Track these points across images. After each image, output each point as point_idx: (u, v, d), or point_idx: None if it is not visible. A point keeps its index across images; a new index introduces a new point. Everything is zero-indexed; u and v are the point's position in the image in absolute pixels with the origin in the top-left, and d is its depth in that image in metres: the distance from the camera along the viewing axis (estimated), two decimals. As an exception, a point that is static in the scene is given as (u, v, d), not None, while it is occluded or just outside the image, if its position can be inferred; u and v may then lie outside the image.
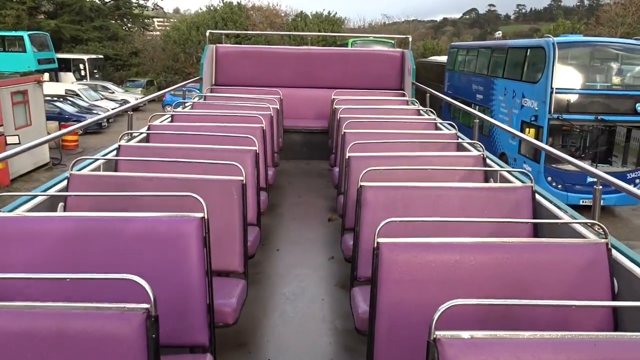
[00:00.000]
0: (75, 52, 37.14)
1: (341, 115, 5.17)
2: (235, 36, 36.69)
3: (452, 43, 24.73)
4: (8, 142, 14.07)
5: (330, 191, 5.59)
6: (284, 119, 6.48)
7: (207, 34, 8.22)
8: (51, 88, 27.25)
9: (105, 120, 23.73)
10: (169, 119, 5.30)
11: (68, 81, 32.26)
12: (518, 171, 3.66)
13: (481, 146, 4.06)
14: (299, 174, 6.68)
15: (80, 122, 16.83)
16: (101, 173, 3.46)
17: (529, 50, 14.31)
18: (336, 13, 41.55)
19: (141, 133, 4.41)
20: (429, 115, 5.73)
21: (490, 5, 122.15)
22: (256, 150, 3.70)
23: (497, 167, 3.85)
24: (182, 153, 3.59)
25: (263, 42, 36.17)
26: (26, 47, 30.13)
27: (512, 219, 2.95)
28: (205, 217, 2.33)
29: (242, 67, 7.62)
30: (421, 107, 6.17)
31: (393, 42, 26.56)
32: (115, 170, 3.63)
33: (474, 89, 18.11)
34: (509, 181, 3.57)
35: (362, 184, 2.92)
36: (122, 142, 4.00)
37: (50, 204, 2.99)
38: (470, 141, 4.39)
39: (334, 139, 5.60)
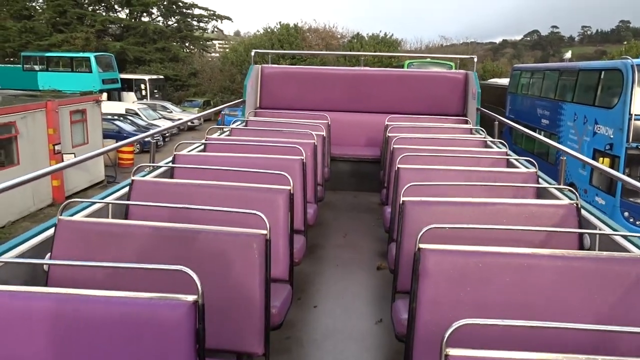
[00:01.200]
0: (138, 72, 38.53)
1: (395, 146, 4.60)
2: (291, 57, 36.96)
3: (515, 65, 23.59)
4: (65, 160, 14.32)
5: (380, 232, 4.92)
6: (331, 145, 5.95)
7: (253, 53, 7.76)
8: (113, 107, 28.21)
9: (161, 139, 24.23)
10: (201, 148, 4.83)
11: (130, 100, 33.39)
12: (564, 188, 3.53)
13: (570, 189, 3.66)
14: (345, 208, 6.06)
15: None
16: (160, 179, 3.65)
17: (603, 72, 13.18)
18: (392, 34, 41.21)
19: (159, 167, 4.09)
20: (499, 147, 5.01)
21: (554, 26, 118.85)
22: (290, 190, 3.17)
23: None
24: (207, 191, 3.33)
25: (318, 63, 36.24)
26: (92, 67, 31.46)
27: (556, 228, 2.92)
28: (268, 233, 2.40)
29: (289, 89, 7.16)
30: (489, 138, 5.46)
31: (452, 63, 25.75)
32: (172, 177, 3.86)
33: (539, 114, 17.00)
34: (558, 199, 3.50)
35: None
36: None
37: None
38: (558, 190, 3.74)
39: (386, 172, 5.00)
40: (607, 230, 2.93)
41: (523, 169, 4.21)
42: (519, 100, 19.44)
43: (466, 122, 6.53)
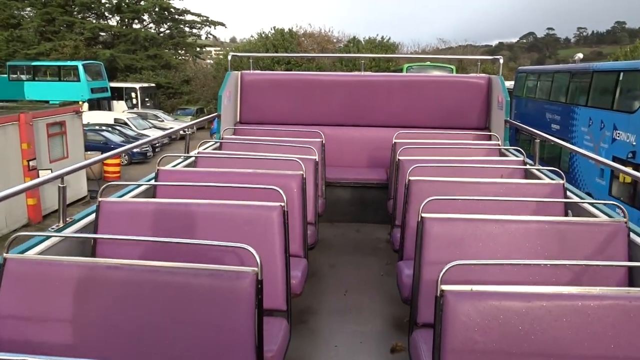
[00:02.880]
0: (129, 80, 37.53)
1: (406, 166, 3.74)
2: (286, 62, 35.96)
3: (521, 67, 22.59)
4: (41, 177, 13.22)
5: (393, 285, 3.65)
6: (326, 167, 4.88)
7: (230, 57, 6.21)
8: (101, 117, 27.21)
9: (150, 149, 23.17)
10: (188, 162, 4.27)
11: (120, 110, 32.37)
12: (608, 203, 3.16)
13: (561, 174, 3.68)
14: (346, 248, 4.91)
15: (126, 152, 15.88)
16: (136, 200, 3.34)
17: (622, 74, 12.16)
18: (389, 38, 40.25)
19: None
20: (539, 173, 3.99)
21: (549, 28, 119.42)
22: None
23: (578, 199, 3.46)
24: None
25: (314, 69, 35.26)
26: (80, 76, 30.47)
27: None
28: (259, 271, 2.08)
29: (275, 100, 5.98)
30: (520, 156, 4.43)
31: (453, 67, 24.74)
32: (154, 196, 3.54)
33: (548, 119, 15.98)
34: (594, 216, 3.08)
35: (443, 288, 1.93)
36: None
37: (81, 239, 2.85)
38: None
39: (395, 199, 3.97)
40: None
41: (576, 196, 3.54)
42: (524, 104, 18.42)
43: (490, 137, 5.49)
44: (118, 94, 34.08)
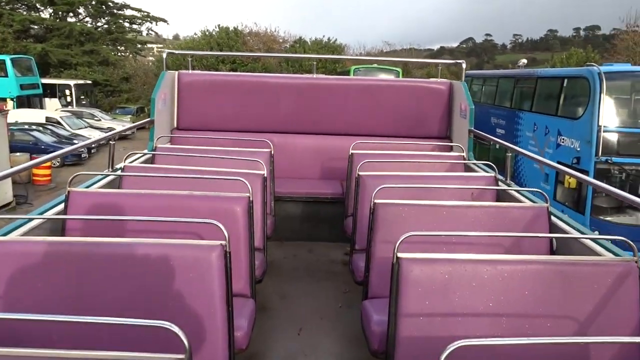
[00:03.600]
0: (63, 77, 35.42)
1: (369, 185, 3.40)
2: (231, 62, 35.06)
3: (466, 71, 22.94)
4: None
5: (352, 317, 3.43)
6: (275, 180, 4.38)
7: (165, 55, 5.50)
8: (31, 115, 25.41)
9: (85, 151, 21.81)
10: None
11: (53, 108, 30.39)
12: (532, 191, 3.53)
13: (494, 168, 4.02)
14: (298, 272, 4.39)
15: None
16: (104, 190, 3.24)
17: (566, 80, 12.41)
18: (336, 39, 40.17)
19: None
20: (517, 194, 3.69)
21: (487, 34, 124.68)
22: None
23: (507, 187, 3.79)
24: None
25: (260, 70, 34.58)
26: (8, 71, 28.32)
27: (529, 234, 2.98)
28: (227, 245, 2.18)
29: (217, 104, 5.35)
30: (491, 172, 4.16)
31: (399, 70, 24.82)
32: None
33: (493, 123, 16.20)
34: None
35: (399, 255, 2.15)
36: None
37: (50, 227, 2.82)
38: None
39: (355, 219, 3.56)
40: (576, 234, 2.93)
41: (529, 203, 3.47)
42: (470, 109, 18.66)
43: (451, 147, 5.20)
44: (51, 91, 31.99)
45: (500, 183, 3.96)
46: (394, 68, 25.41)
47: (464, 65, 5.56)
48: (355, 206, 3.55)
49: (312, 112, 5.40)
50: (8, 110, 14.56)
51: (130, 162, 3.94)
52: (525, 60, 15.36)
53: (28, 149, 19.69)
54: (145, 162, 4.20)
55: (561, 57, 35.28)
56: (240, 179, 2.95)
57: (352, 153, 4.25)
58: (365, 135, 5.20)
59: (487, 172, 4.13)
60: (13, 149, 19.36)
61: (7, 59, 28.56)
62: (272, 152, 4.25)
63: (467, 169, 4.53)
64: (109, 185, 3.63)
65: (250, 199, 2.83)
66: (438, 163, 4.42)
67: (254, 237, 2.89)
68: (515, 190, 3.72)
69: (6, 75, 28.42)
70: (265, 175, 3.50)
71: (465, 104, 5.06)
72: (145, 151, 4.49)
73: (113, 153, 4.08)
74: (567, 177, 11.25)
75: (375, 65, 24.59)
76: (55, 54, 36.39)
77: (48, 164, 17.99)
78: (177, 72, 5.47)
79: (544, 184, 12.63)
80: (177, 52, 6.29)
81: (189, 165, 3.69)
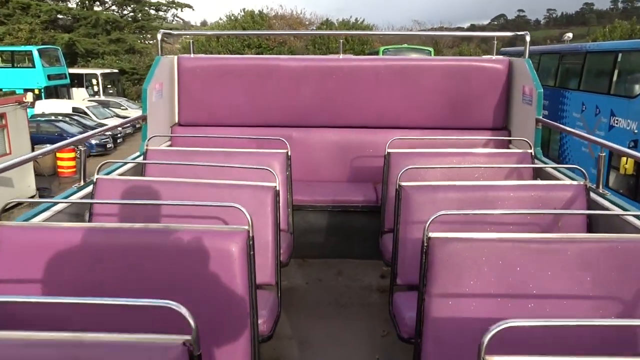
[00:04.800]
0: (90, 66, 35.42)
1: (415, 203, 2.68)
2: (257, 46, 34.36)
3: (503, 49, 21.64)
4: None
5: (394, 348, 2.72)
6: (294, 184, 3.58)
7: (159, 37, 4.63)
8: (58, 106, 25.36)
9: (111, 140, 21.56)
10: None
11: (81, 98, 30.37)
12: (570, 167, 3.44)
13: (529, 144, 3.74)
14: (322, 305, 3.56)
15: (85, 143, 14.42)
16: (130, 177, 3.15)
17: (620, 55, 11.20)
18: (364, 20, 38.99)
19: None
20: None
21: (520, 10, 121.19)
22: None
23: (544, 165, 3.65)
24: None
25: (286, 52, 33.75)
26: (35, 62, 28.35)
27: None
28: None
29: (225, 93, 4.50)
30: (569, 175, 3.32)
31: (431, 49, 23.69)
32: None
33: (535, 103, 15.05)
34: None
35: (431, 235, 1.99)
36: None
37: (75, 212, 2.86)
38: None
39: (396, 238, 2.79)
40: (618, 211, 2.75)
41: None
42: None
43: (509, 142, 4.35)
44: (78, 81, 31.95)
45: (536, 161, 3.70)
46: (426, 48, 24.28)
47: (527, 38, 4.53)
48: (397, 226, 2.75)
49: (339, 101, 4.52)
50: (28, 102, 14.25)
51: (105, 173, 3.22)
52: (570, 35, 14.11)
53: (54, 140, 19.48)
54: (121, 174, 3.44)
55: (603, 30, 33.19)
56: (237, 206, 2.15)
57: (388, 152, 3.44)
58: (403, 128, 4.36)
59: (573, 179, 3.19)
60: (39, 140, 19.23)
61: (34, 49, 28.57)
62: (289, 154, 3.45)
63: (544, 176, 3.56)
64: (132, 172, 3.56)
65: (250, 234, 2.08)
66: (501, 163, 3.55)
67: (254, 278, 2.10)
68: (553, 168, 3.55)
69: (33, 66, 28.46)
70: (278, 187, 2.75)
71: (531, 87, 4.09)
72: (120, 161, 3.58)
73: (84, 164, 3.31)
74: (622, 162, 10.17)
75: (405, 45, 23.50)
76: (82, 43, 36.43)
77: (72, 154, 17.76)
78: (175, 57, 4.64)
79: (594, 171, 11.55)
80: (174, 32, 5.38)
81: (182, 175, 2.98)
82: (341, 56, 4.70)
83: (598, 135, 11.61)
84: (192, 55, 4.76)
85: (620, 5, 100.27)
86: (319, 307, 3.52)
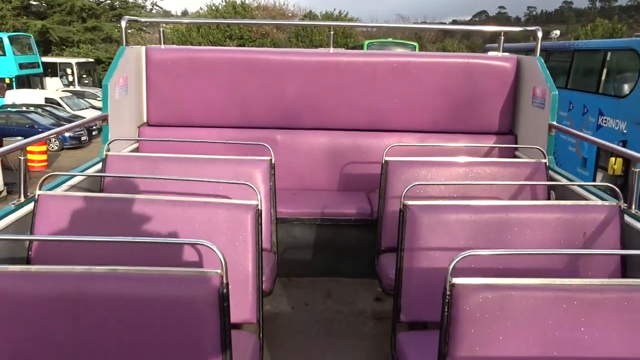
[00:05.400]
0: (65, 55, 34.28)
1: (422, 225, 2.31)
2: (239, 37, 33.68)
3: (487, 45, 21.48)
4: None
5: None
6: (277, 193, 3.18)
7: (124, 24, 3.95)
8: (29, 96, 24.41)
9: (85, 133, 20.80)
10: None
11: (54, 87, 29.34)
12: (602, 185, 3.01)
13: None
14: (310, 337, 3.13)
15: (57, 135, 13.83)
16: (78, 194, 2.65)
17: (609, 53, 11.00)
18: (347, 13, 38.57)
19: None
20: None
21: (501, 7, 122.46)
22: None
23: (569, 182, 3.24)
24: None
25: (269, 44, 33.13)
26: (6, 50, 27.24)
27: (609, 251, 2.47)
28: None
29: (200, 90, 4.03)
30: (612, 200, 2.84)
31: (416, 44, 23.37)
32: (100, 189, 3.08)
33: (520, 101, 14.86)
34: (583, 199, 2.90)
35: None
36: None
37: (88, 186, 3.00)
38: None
39: (398, 256, 2.39)
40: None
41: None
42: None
43: (515, 149, 3.97)
44: (52, 70, 30.89)
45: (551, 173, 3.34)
46: (410, 42, 23.97)
47: (539, 34, 4.15)
48: (400, 252, 2.35)
49: (329, 100, 4.08)
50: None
51: (48, 189, 2.71)
52: (558, 32, 13.91)
53: (24, 133, 18.69)
54: (73, 188, 2.94)
55: (585, 29, 33.32)
56: (208, 245, 1.71)
57: (386, 160, 3.04)
58: (400, 131, 3.97)
59: (604, 199, 2.80)
60: (9, 132, 18.45)
61: (5, 36, 27.47)
62: (273, 161, 3.03)
63: (555, 188, 3.21)
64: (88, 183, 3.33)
65: (224, 280, 1.66)
66: (511, 174, 3.18)
67: (227, 326, 1.71)
68: (579, 186, 3.11)
69: (4, 54, 27.36)
70: (260, 205, 2.33)
71: (544, 88, 3.68)
72: (67, 173, 3.04)
73: (23, 177, 2.75)
74: (611, 162, 9.98)
75: (390, 39, 23.12)
76: (57, 31, 35.28)
77: (43, 148, 17.03)
78: (143, 48, 4.12)
79: (581, 170, 11.39)
80: (142, 19, 4.80)
81: (143, 193, 2.55)
82: (332, 50, 4.21)
83: (585, 133, 11.44)
84: (162, 46, 4.21)
85: (598, 4, 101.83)
86: (306, 339, 3.10)
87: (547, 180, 3.23)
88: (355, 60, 4.14)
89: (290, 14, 39.77)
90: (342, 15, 37.66)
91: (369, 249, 3.22)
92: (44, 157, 16.86)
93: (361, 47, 22.75)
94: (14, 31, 30.61)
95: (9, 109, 21.52)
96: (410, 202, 2.36)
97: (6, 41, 27.14)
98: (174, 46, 4.45)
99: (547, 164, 3.30)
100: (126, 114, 3.88)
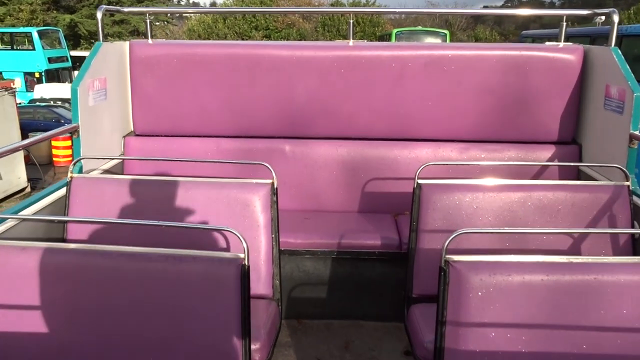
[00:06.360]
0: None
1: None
2: (265, 28, 33.18)
3: (524, 32, 20.45)
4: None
5: None
6: (284, 217, 2.66)
7: (99, 15, 3.30)
8: (58, 90, 24.48)
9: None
10: None
11: (83, 81, 29.48)
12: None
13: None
14: None
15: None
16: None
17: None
18: (375, 0, 37.54)
19: None
20: None
21: None
22: None
23: None
24: None
25: (295, 35, 32.55)
26: (35, 44, 27.48)
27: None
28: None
29: (195, 92, 3.42)
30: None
31: (446, 32, 22.41)
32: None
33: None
34: None
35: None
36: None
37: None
38: None
39: (439, 321, 1.78)
40: None
41: None
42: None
43: (579, 161, 3.32)
44: (80, 64, 30.96)
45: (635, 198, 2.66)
46: (441, 30, 23.02)
47: (616, 18, 3.38)
48: (442, 316, 1.76)
49: (348, 103, 3.41)
50: (15, 88, 13.35)
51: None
52: (603, 17, 12.98)
53: (50, 127, 18.70)
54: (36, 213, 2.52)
55: (628, 12, 31.57)
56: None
57: (419, 184, 2.44)
58: (436, 141, 3.33)
59: None
60: (35, 127, 18.43)
61: (34, 31, 27.67)
62: (276, 185, 2.46)
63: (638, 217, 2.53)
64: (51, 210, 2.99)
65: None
66: (587, 203, 2.49)
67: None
68: None
69: (33, 49, 27.61)
70: (245, 260, 1.75)
71: (622, 88, 2.90)
72: (11, 217, 2.37)
73: None
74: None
75: (420, 27, 22.26)
76: (85, 25, 35.48)
77: (68, 143, 16.96)
78: (127, 43, 3.52)
79: None
80: (123, 9, 3.92)
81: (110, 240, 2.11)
82: (351, 42, 3.47)
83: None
84: (149, 40, 3.58)
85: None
86: None
87: (632, 210, 2.51)
88: (380, 54, 3.39)
89: (316, 2, 39.06)
90: (369, 2, 36.75)
91: (398, 288, 2.67)
92: (69, 152, 16.78)
93: (389, 37, 21.95)
94: (43, 25, 30.86)
95: (37, 103, 21.59)
96: (455, 258, 1.74)
97: (35, 36, 27.37)
98: (163, 40, 3.74)
99: (630, 188, 2.56)
100: (106, 123, 3.30)
